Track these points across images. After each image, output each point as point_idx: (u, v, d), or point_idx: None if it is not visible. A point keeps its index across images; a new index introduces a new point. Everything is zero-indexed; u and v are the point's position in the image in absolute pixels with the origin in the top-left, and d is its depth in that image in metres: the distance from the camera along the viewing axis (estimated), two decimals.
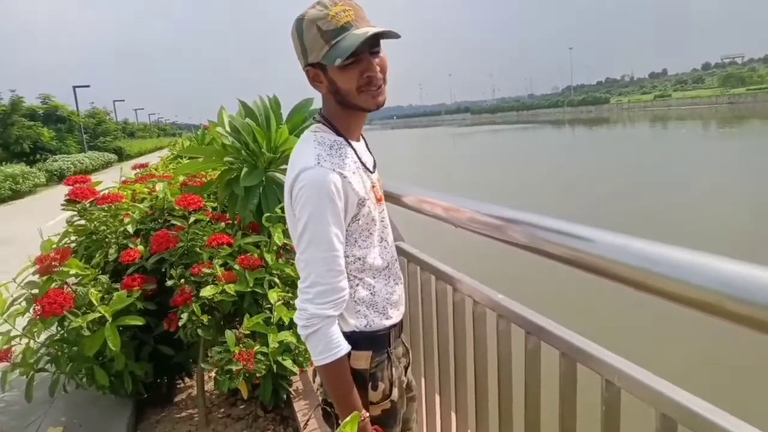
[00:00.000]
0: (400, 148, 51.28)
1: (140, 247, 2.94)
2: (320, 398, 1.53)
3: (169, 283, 2.74)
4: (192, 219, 2.95)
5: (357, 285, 1.39)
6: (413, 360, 1.81)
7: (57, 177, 25.89)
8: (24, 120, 32.57)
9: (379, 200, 1.43)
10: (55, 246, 3.04)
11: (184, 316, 2.62)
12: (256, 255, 2.83)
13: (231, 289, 2.64)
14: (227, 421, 3.11)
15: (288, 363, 2.65)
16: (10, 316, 2.68)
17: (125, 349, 2.75)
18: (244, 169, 2.95)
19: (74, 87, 40.48)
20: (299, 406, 2.98)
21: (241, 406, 3.22)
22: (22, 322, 2.73)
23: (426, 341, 1.95)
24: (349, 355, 1.34)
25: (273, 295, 2.67)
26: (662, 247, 0.82)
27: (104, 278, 2.83)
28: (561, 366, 1.15)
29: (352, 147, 1.37)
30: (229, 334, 2.55)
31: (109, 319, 2.57)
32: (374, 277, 1.41)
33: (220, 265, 2.73)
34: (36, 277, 2.74)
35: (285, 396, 2.94)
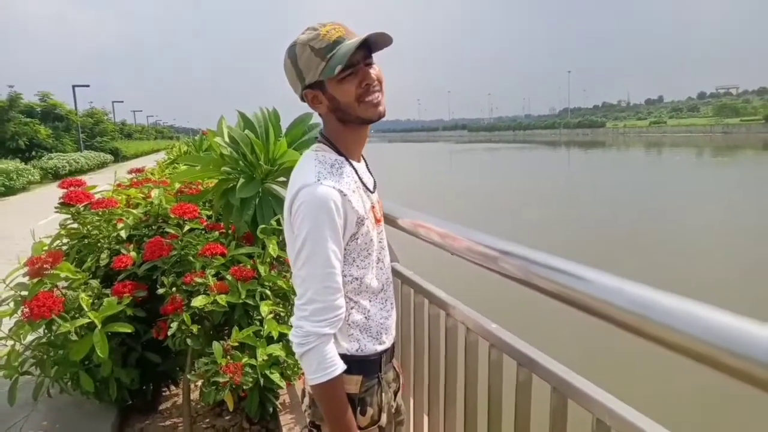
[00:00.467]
0: (399, 161, 51.35)
1: (133, 254, 2.93)
2: (308, 419, 1.52)
3: (161, 291, 2.73)
4: (186, 228, 2.94)
5: (352, 308, 1.38)
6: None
7: (51, 175, 25.78)
8: (21, 116, 32.47)
9: (378, 221, 1.43)
10: (46, 248, 3.02)
11: (174, 325, 2.60)
12: (249, 266, 2.82)
13: (222, 299, 2.63)
14: (212, 431, 3.09)
15: (276, 377, 2.63)
16: None
17: (112, 355, 2.73)
18: (241, 180, 2.96)
19: (73, 86, 40.51)
20: (285, 420, 2.96)
21: (227, 417, 3.19)
22: (8, 323, 2.71)
23: (417, 363, 1.95)
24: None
25: (264, 308, 2.66)
26: (655, 293, 0.82)
27: (95, 283, 2.82)
28: (552, 400, 1.15)
29: (352, 166, 1.37)
30: (217, 346, 2.53)
31: (99, 326, 2.55)
32: (370, 301, 1.41)
33: (213, 275, 2.72)
34: (26, 279, 2.72)
35: (271, 409, 2.92)
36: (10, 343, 2.73)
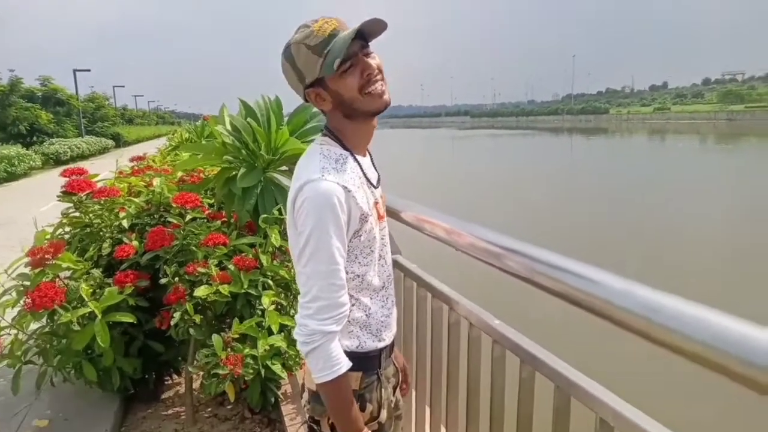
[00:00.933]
0: (402, 148, 51.24)
1: (135, 243, 2.93)
2: (307, 415, 1.51)
3: (163, 281, 2.73)
4: (189, 217, 2.94)
5: (353, 305, 1.37)
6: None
7: (53, 160, 25.75)
8: (22, 101, 32.40)
9: (380, 217, 1.41)
10: (48, 237, 3.02)
11: (177, 315, 2.61)
12: (251, 256, 2.82)
13: (225, 289, 2.63)
14: (214, 420, 3.10)
15: (277, 368, 2.63)
16: (0, 307, 2.66)
17: (114, 344, 2.73)
18: (242, 170, 2.94)
19: (74, 70, 40.31)
20: (287, 410, 2.97)
21: (229, 407, 3.21)
22: (11, 313, 2.71)
23: (419, 355, 1.95)
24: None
25: (266, 300, 2.65)
26: (663, 296, 0.81)
27: (97, 272, 2.82)
28: (555, 399, 1.14)
29: (357, 161, 1.35)
30: (217, 339, 2.53)
31: (99, 316, 2.56)
32: (371, 299, 1.40)
33: (215, 265, 2.72)
34: (28, 269, 2.72)
35: (273, 399, 2.93)
36: (13, 332, 2.74)
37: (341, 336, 1.36)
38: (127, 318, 2.67)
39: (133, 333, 2.97)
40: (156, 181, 3.36)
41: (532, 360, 1.22)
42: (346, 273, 1.32)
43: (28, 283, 2.68)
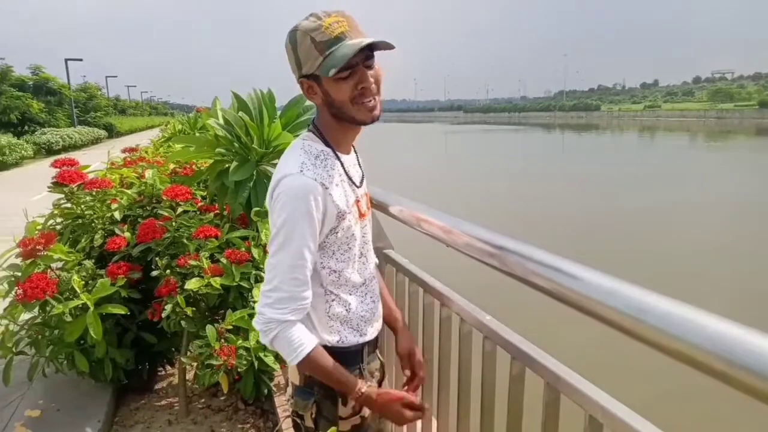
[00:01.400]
0: (395, 143, 51.25)
1: (127, 234, 2.92)
2: (290, 409, 1.53)
3: (155, 273, 2.73)
4: (180, 210, 2.93)
5: (333, 301, 1.38)
6: (396, 362, 1.81)
7: (45, 150, 25.55)
8: (12, 90, 32.04)
9: (362, 216, 1.41)
10: (40, 228, 3.01)
11: (168, 307, 2.61)
12: (243, 249, 2.82)
13: (216, 282, 2.63)
14: (207, 411, 3.11)
15: (270, 359, 2.64)
16: None
17: (107, 335, 2.73)
18: (235, 163, 2.94)
19: (66, 60, 39.86)
20: (280, 401, 2.99)
21: (222, 398, 3.22)
22: (2, 304, 2.70)
23: None
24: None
25: (257, 292, 2.66)
26: (651, 296, 0.82)
27: (89, 264, 2.81)
28: (545, 395, 1.16)
29: (339, 159, 1.36)
30: (210, 330, 2.54)
31: (91, 308, 2.55)
32: (350, 294, 1.41)
33: (207, 258, 2.72)
34: (19, 260, 2.71)
35: (266, 390, 2.94)
36: (4, 322, 2.73)
37: (322, 331, 1.38)
38: (120, 310, 2.66)
39: (126, 324, 2.97)
40: (148, 173, 3.35)
41: (523, 357, 1.24)
42: (324, 268, 1.34)
43: (19, 274, 2.67)
